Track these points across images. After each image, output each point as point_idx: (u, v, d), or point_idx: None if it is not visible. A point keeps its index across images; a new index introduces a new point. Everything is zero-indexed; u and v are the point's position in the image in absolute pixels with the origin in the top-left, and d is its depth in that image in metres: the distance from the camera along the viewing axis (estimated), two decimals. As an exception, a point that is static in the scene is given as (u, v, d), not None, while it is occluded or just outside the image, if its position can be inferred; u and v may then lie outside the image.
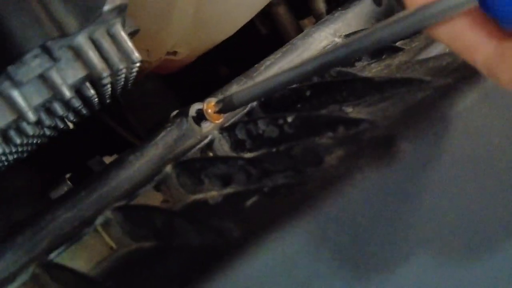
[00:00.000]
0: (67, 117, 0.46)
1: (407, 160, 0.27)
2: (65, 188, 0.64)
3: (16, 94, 0.33)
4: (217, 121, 0.40)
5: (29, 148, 0.52)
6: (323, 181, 0.28)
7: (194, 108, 0.43)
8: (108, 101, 0.60)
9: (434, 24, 0.24)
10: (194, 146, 0.41)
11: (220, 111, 0.39)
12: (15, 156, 0.49)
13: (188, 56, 0.56)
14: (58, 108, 0.39)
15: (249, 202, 0.30)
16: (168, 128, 0.42)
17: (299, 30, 0.88)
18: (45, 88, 0.34)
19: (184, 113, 0.43)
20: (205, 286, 0.24)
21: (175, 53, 0.54)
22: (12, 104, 0.33)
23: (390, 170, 0.27)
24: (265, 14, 0.89)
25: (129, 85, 0.56)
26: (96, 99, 0.47)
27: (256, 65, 0.51)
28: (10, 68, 0.31)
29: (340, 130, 0.33)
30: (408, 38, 0.47)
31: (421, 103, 0.31)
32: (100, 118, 0.95)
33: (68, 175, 0.83)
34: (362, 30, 0.51)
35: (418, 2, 0.24)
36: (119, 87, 0.51)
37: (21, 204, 0.84)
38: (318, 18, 0.81)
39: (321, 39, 0.54)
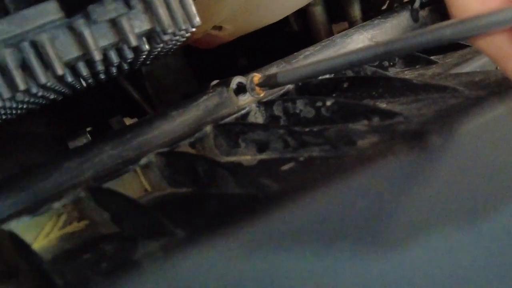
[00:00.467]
0: (115, 67, 0.49)
1: (436, 153, 0.30)
2: (84, 140, 0.67)
3: (87, 32, 0.36)
4: (260, 95, 0.42)
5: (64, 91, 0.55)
6: (357, 158, 0.31)
7: (235, 81, 0.46)
8: (145, 63, 0.62)
9: (478, 35, 0.27)
10: (230, 115, 0.44)
11: (263, 85, 0.42)
12: (52, 96, 0.52)
13: (231, 34, 0.59)
14: (114, 56, 0.42)
15: (284, 167, 0.33)
16: (210, 94, 0.45)
17: (331, 33, 0.91)
18: (113, 33, 0.37)
19: (225, 84, 0.46)
20: (243, 229, 0.27)
21: (220, 28, 0.57)
22: (82, 41, 0.36)
23: (419, 158, 0.30)
24: (301, 12, 0.93)
25: (169, 52, 0.59)
26: (143, 58, 0.50)
27: (295, 53, 0.54)
28: (90, 7, 0.34)
29: (375, 120, 0.36)
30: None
31: (453, 108, 0.34)
32: (121, 82, 0.98)
33: (88, 129, 0.86)
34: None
35: (465, 14, 0.27)
36: (162, 52, 0.54)
37: (39, 149, 0.87)
38: (351, 25, 0.84)
39: (358, 41, 0.57)
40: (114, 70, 0.53)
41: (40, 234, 0.34)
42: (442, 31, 0.27)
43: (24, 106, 0.50)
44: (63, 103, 0.82)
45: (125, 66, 0.54)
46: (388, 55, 0.32)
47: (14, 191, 0.33)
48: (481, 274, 0.28)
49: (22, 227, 0.32)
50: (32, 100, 0.46)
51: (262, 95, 0.44)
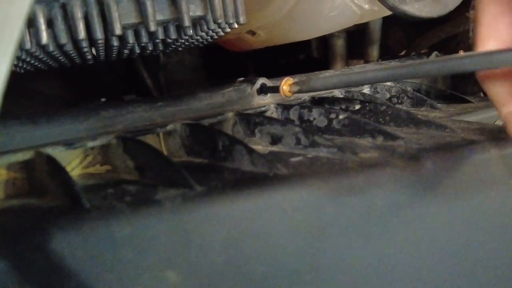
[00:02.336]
0: (153, 44, 0.53)
1: (426, 175, 0.35)
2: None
3: (149, 3, 0.40)
4: (288, 97, 0.47)
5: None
6: (358, 164, 0.35)
7: (260, 81, 0.51)
8: (175, 50, 0.67)
9: (487, 69, 0.31)
10: (249, 109, 0.48)
11: (296, 89, 0.46)
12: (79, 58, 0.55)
13: (262, 41, 0.64)
14: (160, 32, 0.46)
15: (293, 159, 0.38)
16: (236, 87, 0.49)
17: (347, 66, 0.96)
18: (170, 10, 0.41)
19: (251, 82, 0.50)
20: (252, 198, 0.31)
21: (254, 33, 0.61)
22: (143, 10, 0.40)
23: (411, 175, 0.34)
24: (323, 41, 0.98)
25: (201, 45, 0.63)
26: (178, 44, 0.55)
27: (315, 72, 0.59)
28: (159, -17, 0.38)
29: (379, 139, 0.41)
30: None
31: (449, 144, 0.39)
32: (138, 66, 1.02)
33: (103, 99, 0.90)
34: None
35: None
36: (195, 43, 0.58)
37: (52, 107, 0.91)
38: (367, 63, 0.89)
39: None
40: (150, 47, 0.57)
41: (66, 167, 0.38)
42: (460, 60, 0.31)
43: (61, 58, 0.54)
44: (79, 72, 0.86)
45: (161, 47, 0.58)
46: (414, 75, 0.36)
47: (56, 124, 0.37)
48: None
49: (54, 155, 0.36)
50: (71, 53, 0.50)
51: (290, 98, 0.48)
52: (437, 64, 0.33)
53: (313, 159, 0.37)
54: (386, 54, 0.94)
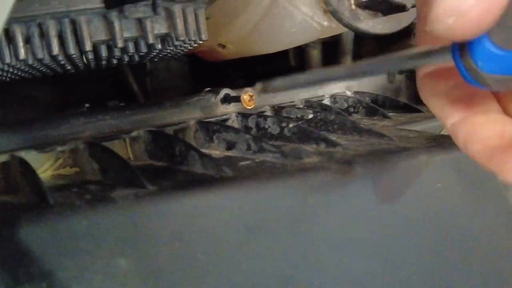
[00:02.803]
0: (128, 56, 0.58)
1: (357, 178, 0.39)
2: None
3: (117, 23, 0.45)
4: (248, 107, 0.51)
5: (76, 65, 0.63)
6: (298, 167, 0.40)
7: (223, 91, 0.55)
8: (153, 60, 0.71)
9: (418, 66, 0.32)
10: (213, 117, 0.53)
11: (261, 90, 0.50)
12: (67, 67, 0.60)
13: (232, 53, 0.68)
14: (131, 47, 0.51)
15: (242, 163, 0.42)
16: (201, 97, 0.54)
17: (322, 75, 1.01)
18: (136, 29, 0.46)
19: (215, 92, 0.55)
20: (198, 196, 0.36)
21: (224, 46, 0.66)
22: (110, 29, 0.45)
23: (343, 177, 0.39)
24: (300, 51, 1.03)
25: (175, 56, 0.68)
26: (153, 55, 0.59)
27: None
28: (126, 6, 0.43)
29: (322, 146, 0.45)
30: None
31: (382, 151, 0.44)
32: (125, 72, 1.07)
33: (87, 105, 0.95)
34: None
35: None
36: (169, 55, 0.63)
37: (38, 110, 0.95)
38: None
39: (335, 86, 0.67)
40: (126, 58, 0.62)
41: (38, 169, 0.42)
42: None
43: (42, 69, 0.58)
44: (69, 77, 0.91)
45: (136, 58, 0.62)
46: (363, 75, 0.39)
47: (30, 130, 0.42)
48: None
49: (27, 159, 0.40)
50: (50, 65, 0.54)
51: (250, 107, 0.53)
52: (380, 61, 0.36)
53: (259, 163, 0.42)
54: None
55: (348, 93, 0.66)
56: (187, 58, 1.13)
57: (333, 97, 0.64)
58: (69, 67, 0.61)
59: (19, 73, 0.59)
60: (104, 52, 0.50)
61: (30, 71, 0.58)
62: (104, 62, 0.62)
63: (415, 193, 0.42)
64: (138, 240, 0.33)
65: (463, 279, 0.40)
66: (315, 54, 1.02)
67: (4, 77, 0.60)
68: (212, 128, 0.47)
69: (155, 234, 0.34)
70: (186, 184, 0.37)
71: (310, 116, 0.53)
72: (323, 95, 0.64)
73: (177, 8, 0.46)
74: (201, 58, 0.94)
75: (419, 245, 0.40)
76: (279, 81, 0.47)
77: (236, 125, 0.53)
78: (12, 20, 0.43)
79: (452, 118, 0.29)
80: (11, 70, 0.53)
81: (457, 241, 0.42)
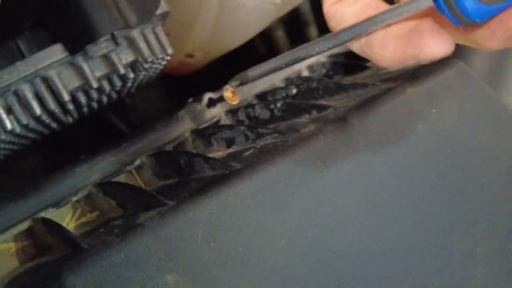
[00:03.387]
0: (106, 95, 0.59)
1: (354, 130, 0.41)
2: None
3: (86, 66, 0.46)
4: (233, 103, 0.52)
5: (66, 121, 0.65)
6: (297, 140, 0.41)
7: (207, 96, 0.56)
8: (130, 92, 0.73)
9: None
10: (204, 123, 0.54)
11: (238, 85, 0.51)
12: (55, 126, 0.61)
13: (202, 60, 0.70)
14: (105, 85, 0.52)
15: (246, 154, 0.44)
16: (187, 109, 0.55)
17: (293, 52, 1.02)
18: (105, 65, 0.47)
19: (198, 99, 0.56)
20: (215, 196, 0.37)
21: (192, 56, 0.67)
22: (81, 73, 0.46)
23: (341, 135, 0.40)
24: (266, 36, 1.04)
25: (150, 80, 0.69)
26: (129, 85, 0.61)
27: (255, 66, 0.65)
28: (87, 46, 0.44)
29: (314, 113, 0.47)
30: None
31: (370, 98, 0.45)
32: (108, 116, 1.08)
33: (82, 157, 0.96)
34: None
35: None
36: (144, 80, 0.64)
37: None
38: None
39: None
40: (105, 99, 0.63)
41: (61, 224, 0.44)
42: (340, 36, 0.36)
43: (30, 135, 0.60)
44: (56, 137, 0.92)
45: (114, 95, 0.64)
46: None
47: (41, 192, 0.43)
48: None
49: (48, 217, 0.42)
50: (38, 129, 0.56)
51: (235, 102, 0.54)
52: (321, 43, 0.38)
53: (261, 148, 0.43)
54: (327, 31, 0.99)
55: (323, 59, 0.68)
56: (163, 84, 1.14)
57: (310, 67, 0.65)
58: (54, 125, 0.62)
59: (10, 146, 0.60)
60: (82, 98, 0.52)
61: (20, 141, 0.59)
62: (85, 109, 0.64)
63: (413, 125, 0.43)
64: (176, 253, 0.35)
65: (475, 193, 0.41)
66: (280, 35, 1.03)
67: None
68: (207, 133, 0.49)
69: (189, 242, 0.35)
70: (201, 189, 0.39)
71: (294, 91, 0.54)
72: (300, 69, 0.65)
73: (136, 33, 0.48)
74: (176, 78, 0.96)
75: (437, 172, 0.42)
76: (254, 70, 0.48)
77: (228, 123, 0.54)
78: (-12, 96, 0.44)
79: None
80: (2, 146, 0.55)
81: (468, 158, 0.44)
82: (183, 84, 1.12)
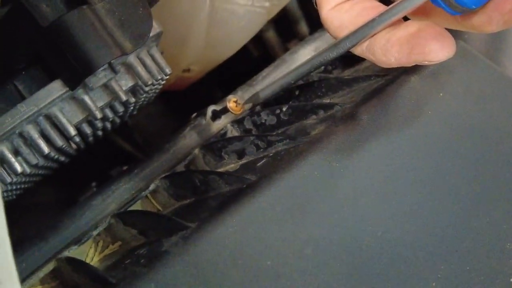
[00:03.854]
0: (110, 122, 0.59)
1: (364, 125, 0.40)
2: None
3: (87, 98, 0.46)
4: (237, 113, 0.52)
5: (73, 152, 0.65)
6: (308, 143, 0.41)
7: (210, 109, 0.56)
8: (132, 114, 0.72)
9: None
10: (212, 136, 0.53)
11: (248, 103, 0.51)
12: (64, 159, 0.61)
13: (199, 72, 0.69)
14: (108, 113, 0.52)
15: (259, 164, 0.43)
16: (192, 125, 0.55)
17: (287, 51, 1.02)
18: (106, 94, 0.47)
19: (202, 113, 0.56)
20: (235, 212, 0.37)
21: (188, 70, 0.67)
22: (84, 106, 0.46)
23: (353, 132, 0.40)
24: (257, 39, 1.04)
25: (151, 100, 0.69)
26: (131, 109, 0.61)
27: (254, 76, 0.64)
28: (87, 79, 0.44)
29: (321, 113, 0.46)
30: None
31: (375, 90, 0.44)
32: (114, 139, 1.08)
33: (94, 184, 0.96)
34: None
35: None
36: (145, 101, 0.64)
37: (53, 213, 0.96)
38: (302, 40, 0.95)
39: (305, 55, 0.68)
40: (109, 125, 0.63)
41: (86, 260, 0.43)
42: (342, 44, 0.36)
43: (40, 172, 0.60)
44: (68, 166, 0.92)
45: (117, 120, 0.63)
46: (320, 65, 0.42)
47: (60, 231, 0.43)
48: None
49: (71, 255, 0.41)
50: (48, 165, 0.55)
51: (239, 112, 0.54)
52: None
53: (274, 156, 0.43)
54: (319, 25, 0.99)
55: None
56: (162, 99, 1.14)
57: (308, 64, 0.65)
58: (63, 159, 0.62)
59: (23, 186, 0.60)
60: (88, 129, 0.51)
61: (31, 179, 0.59)
62: (91, 139, 0.63)
63: (425, 112, 0.43)
64: (205, 276, 0.34)
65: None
66: (271, 35, 1.02)
67: (11, 196, 0.61)
68: (216, 147, 0.48)
69: (217, 262, 0.35)
70: (221, 207, 0.38)
71: (297, 92, 0.54)
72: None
73: (132, 58, 0.47)
74: (175, 93, 0.96)
75: (454, 154, 0.41)
76: (264, 91, 0.48)
77: (236, 134, 0.54)
78: (-6, 143, 0.44)
79: (328, 5, 0.34)
80: (15, 187, 0.55)
81: (483, 135, 0.43)
82: (182, 96, 1.12)
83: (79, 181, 1.03)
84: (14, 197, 0.61)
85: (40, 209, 1.02)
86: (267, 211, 0.37)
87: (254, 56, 1.10)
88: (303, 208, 0.37)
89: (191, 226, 0.37)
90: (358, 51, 0.34)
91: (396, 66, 0.32)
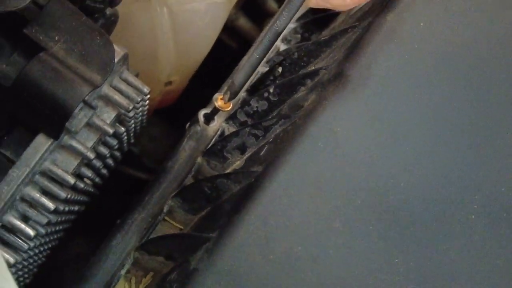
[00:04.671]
0: (110, 157, 0.58)
1: (353, 80, 0.39)
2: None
3: (75, 142, 0.44)
4: (227, 109, 0.50)
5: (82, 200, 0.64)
6: (303, 115, 0.39)
7: (201, 114, 0.55)
8: (130, 142, 0.71)
9: None
10: (211, 140, 0.52)
11: (230, 97, 0.49)
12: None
13: (183, 81, 0.68)
14: (103, 149, 0.51)
15: (262, 153, 0.42)
16: (188, 135, 0.53)
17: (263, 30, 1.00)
18: (93, 133, 0.46)
19: (195, 121, 0.55)
20: (250, 206, 0.36)
21: (171, 82, 0.66)
22: (74, 151, 0.45)
23: (343, 91, 0.38)
24: (230, 30, 1.02)
25: (143, 123, 0.68)
26: (126, 138, 0.59)
27: (234, 69, 0.63)
28: (67, 124, 0.43)
29: (308, 82, 0.44)
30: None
31: (355, 42, 0.42)
32: (125, 172, 1.07)
33: (118, 221, 0.95)
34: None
35: None
36: (138, 125, 0.63)
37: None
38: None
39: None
40: (110, 161, 0.62)
41: (124, 300, 0.43)
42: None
43: (59, 227, 0.59)
44: (87, 214, 0.91)
45: (117, 154, 0.62)
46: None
47: (89, 279, 0.42)
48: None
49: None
50: (64, 217, 0.55)
51: (229, 108, 0.52)
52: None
53: (274, 141, 0.41)
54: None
55: (292, 25, 0.65)
56: (161, 118, 1.13)
57: (284, 39, 0.63)
58: (76, 208, 0.61)
59: (48, 246, 0.59)
60: (88, 172, 0.50)
61: (53, 236, 0.58)
62: (98, 179, 0.63)
63: (410, 46, 0.41)
64: (240, 280, 0.33)
65: None
66: (243, 22, 1.00)
67: (40, 260, 0.60)
68: (217, 149, 0.47)
69: (247, 264, 0.34)
70: (236, 208, 0.37)
71: (280, 69, 0.52)
72: (276, 45, 0.63)
73: (106, 89, 0.46)
74: (170, 108, 0.94)
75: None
76: (237, 75, 0.46)
77: (233, 129, 0.52)
78: None
79: None
80: (38, 251, 0.54)
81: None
82: (179, 109, 1.11)
83: (104, 221, 1.02)
84: (43, 259, 0.61)
85: (78, 260, 1.02)
86: (281, 198, 0.35)
87: (234, 48, 1.08)
88: (316, 183, 0.35)
89: (212, 236, 0.36)
90: (313, 2, 0.33)
91: (353, 6, 0.30)
